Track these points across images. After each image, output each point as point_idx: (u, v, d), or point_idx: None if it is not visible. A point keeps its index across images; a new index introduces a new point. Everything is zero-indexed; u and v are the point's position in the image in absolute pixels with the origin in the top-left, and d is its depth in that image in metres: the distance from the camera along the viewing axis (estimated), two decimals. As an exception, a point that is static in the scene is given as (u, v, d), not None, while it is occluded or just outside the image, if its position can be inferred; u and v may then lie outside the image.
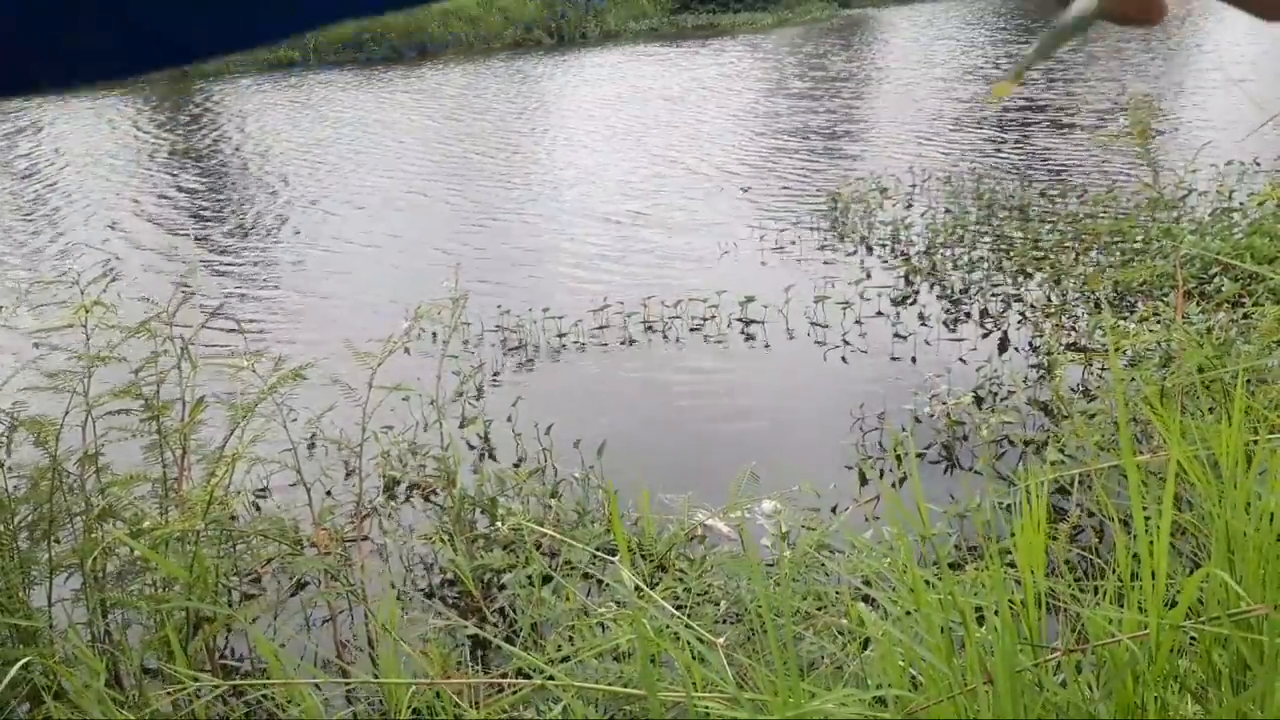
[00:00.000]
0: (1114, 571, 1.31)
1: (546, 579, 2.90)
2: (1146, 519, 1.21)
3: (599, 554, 2.50)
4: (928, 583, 1.38)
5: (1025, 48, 18.19)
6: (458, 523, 3.64)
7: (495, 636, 3.24)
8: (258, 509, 4.24)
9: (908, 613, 1.31)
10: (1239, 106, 11.78)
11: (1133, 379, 3.93)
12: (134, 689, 2.78)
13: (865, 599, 2.26)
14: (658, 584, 2.89)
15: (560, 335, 6.23)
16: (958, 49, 18.99)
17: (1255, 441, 1.41)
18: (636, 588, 2.16)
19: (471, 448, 4.89)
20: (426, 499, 4.29)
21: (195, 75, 21.38)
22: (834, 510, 3.95)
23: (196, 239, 9.44)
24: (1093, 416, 4.05)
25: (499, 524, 3.54)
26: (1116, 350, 4.29)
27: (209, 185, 11.69)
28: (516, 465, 4.60)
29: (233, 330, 6.26)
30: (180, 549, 2.82)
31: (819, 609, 2.31)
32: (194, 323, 3.36)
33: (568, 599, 2.71)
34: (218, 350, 5.66)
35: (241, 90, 19.19)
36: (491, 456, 4.82)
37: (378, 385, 3.34)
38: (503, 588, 3.41)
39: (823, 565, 2.57)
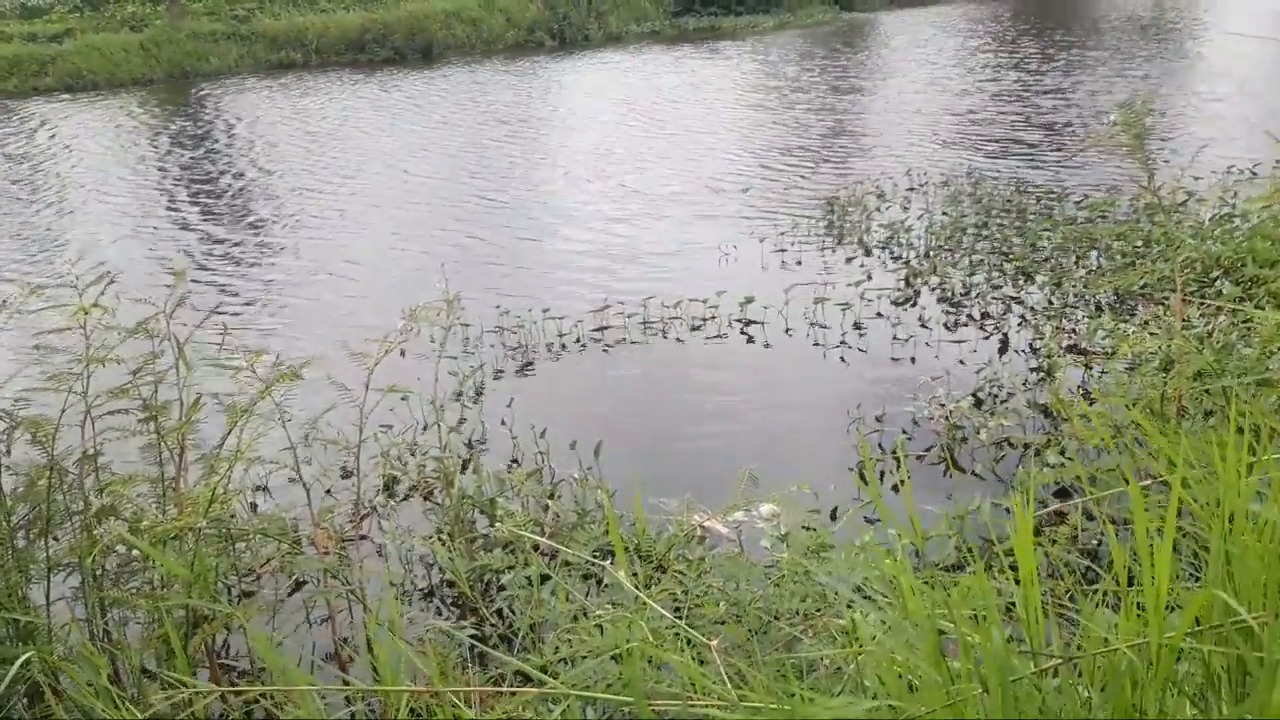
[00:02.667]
0: (1111, 574, 1.30)
1: (545, 579, 2.90)
2: (1149, 532, 1.20)
3: (595, 557, 2.49)
4: (926, 584, 1.37)
5: (988, 54, 18.07)
6: (457, 523, 3.64)
7: (494, 635, 3.24)
8: (254, 508, 4.24)
9: (904, 619, 1.30)
10: (1234, 109, 11.78)
11: (1133, 383, 3.93)
12: (133, 688, 2.78)
13: (864, 598, 2.25)
14: (656, 585, 2.88)
15: (561, 336, 6.22)
16: (950, 54, 18.99)
17: (1254, 451, 1.40)
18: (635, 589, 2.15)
19: (469, 447, 4.88)
20: (426, 498, 4.29)
21: (196, 75, 21.40)
22: (833, 513, 3.94)
23: (192, 241, 9.44)
24: (1091, 420, 4.04)
25: (497, 524, 3.53)
26: (1113, 355, 4.29)
27: (205, 187, 11.68)
28: (511, 465, 4.59)
29: (224, 332, 6.24)
30: (179, 548, 2.81)
31: (818, 610, 2.30)
32: (190, 324, 3.35)
33: (564, 600, 2.71)
34: (215, 351, 5.66)
35: (241, 92, 19.19)
36: (478, 455, 4.81)
37: (375, 387, 3.34)
38: (502, 588, 3.40)
39: (820, 566, 2.56)
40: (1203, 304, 5.33)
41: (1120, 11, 24.61)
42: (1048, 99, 13.63)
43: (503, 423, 4.97)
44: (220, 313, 7.17)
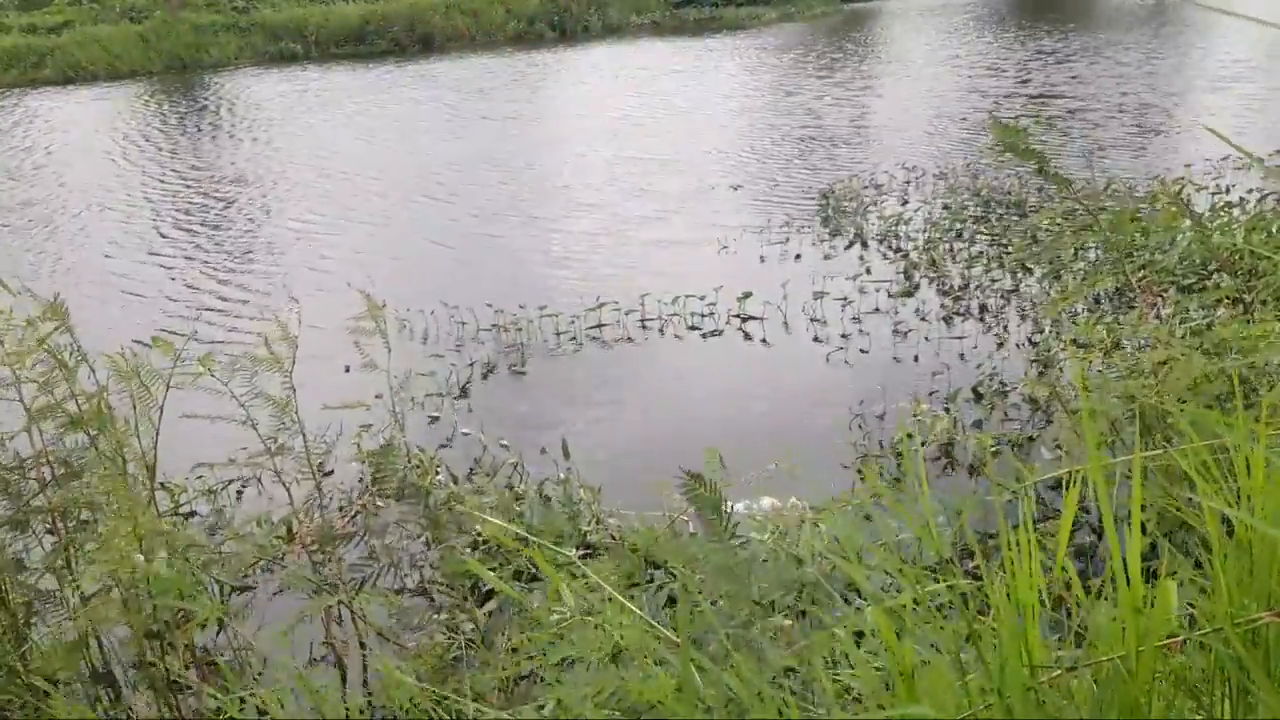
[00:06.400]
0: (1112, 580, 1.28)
1: (532, 578, 2.87)
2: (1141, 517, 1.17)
3: (584, 554, 2.47)
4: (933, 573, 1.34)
5: (990, 45, 17.94)
6: (434, 527, 3.61)
7: (485, 631, 3.21)
8: (239, 495, 4.21)
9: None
10: (1233, 107, 11.73)
11: (1130, 380, 3.89)
12: (124, 686, 2.76)
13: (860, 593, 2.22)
14: (650, 581, 2.85)
15: (558, 334, 6.17)
16: (949, 46, 18.92)
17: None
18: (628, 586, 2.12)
19: (441, 456, 4.85)
20: (403, 499, 4.23)
21: (195, 67, 21.35)
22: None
23: (179, 241, 9.41)
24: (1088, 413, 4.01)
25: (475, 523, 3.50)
26: (1110, 351, 4.25)
27: (193, 186, 11.64)
28: (473, 466, 4.50)
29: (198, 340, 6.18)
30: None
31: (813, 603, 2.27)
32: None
33: (555, 593, 2.68)
34: (207, 349, 5.63)
35: (240, 84, 19.13)
36: (441, 456, 4.76)
37: (331, 406, 3.31)
38: (489, 595, 3.38)
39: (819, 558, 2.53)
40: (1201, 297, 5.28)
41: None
42: (1049, 91, 13.57)
43: (465, 433, 4.86)
44: (206, 310, 7.14)
